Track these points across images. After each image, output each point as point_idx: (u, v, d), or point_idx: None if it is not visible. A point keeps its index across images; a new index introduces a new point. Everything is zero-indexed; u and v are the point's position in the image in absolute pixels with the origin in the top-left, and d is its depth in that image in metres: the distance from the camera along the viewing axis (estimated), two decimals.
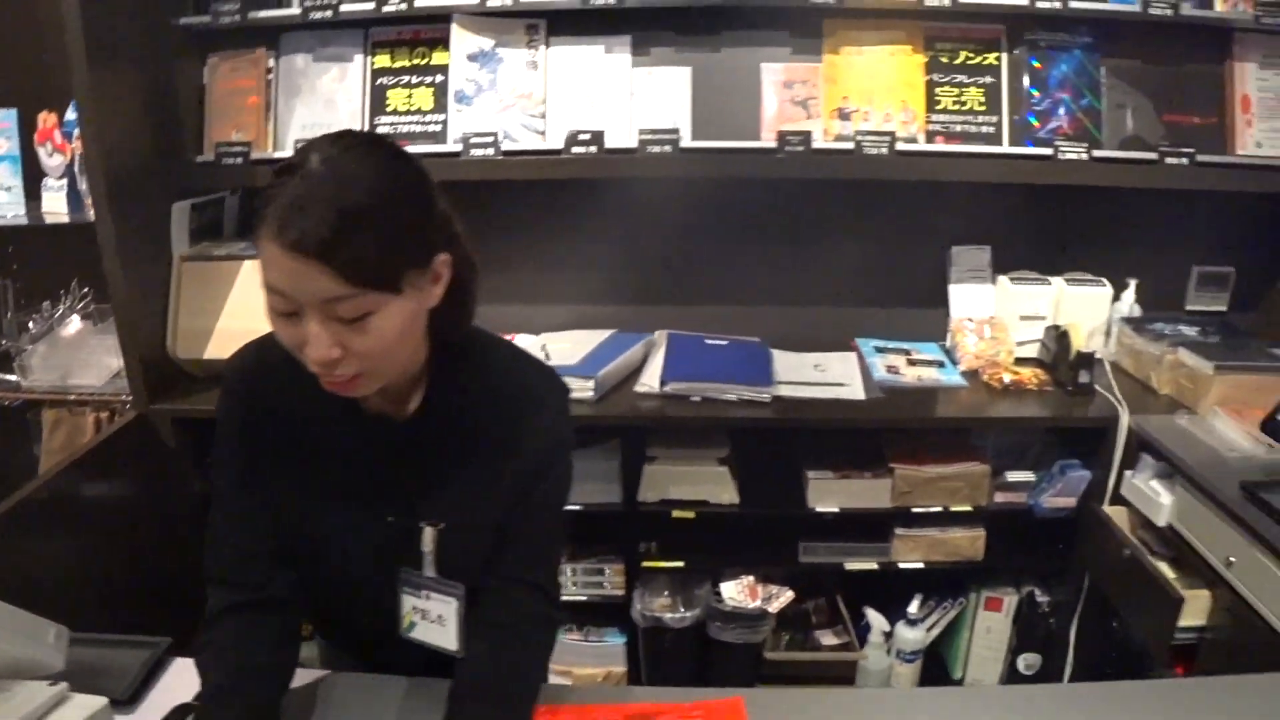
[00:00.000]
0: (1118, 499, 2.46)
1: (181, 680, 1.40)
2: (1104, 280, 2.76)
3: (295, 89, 2.68)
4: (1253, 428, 2.20)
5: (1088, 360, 2.54)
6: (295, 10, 2.55)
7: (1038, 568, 2.76)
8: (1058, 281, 2.76)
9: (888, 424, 2.53)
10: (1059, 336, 2.62)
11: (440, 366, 1.33)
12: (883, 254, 2.90)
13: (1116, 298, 2.78)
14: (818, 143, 2.55)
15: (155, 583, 2.34)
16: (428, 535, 1.33)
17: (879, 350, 2.78)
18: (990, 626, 2.81)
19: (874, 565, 2.67)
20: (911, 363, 2.71)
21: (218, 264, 2.57)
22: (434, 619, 1.37)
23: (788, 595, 2.68)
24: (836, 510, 2.59)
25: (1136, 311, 2.78)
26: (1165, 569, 2.26)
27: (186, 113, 2.66)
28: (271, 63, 2.69)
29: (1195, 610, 2.14)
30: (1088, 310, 2.72)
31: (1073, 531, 2.58)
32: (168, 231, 2.54)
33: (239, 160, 2.60)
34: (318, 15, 2.52)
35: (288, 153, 2.54)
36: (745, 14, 2.58)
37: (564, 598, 2.63)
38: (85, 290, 2.72)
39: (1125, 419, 2.42)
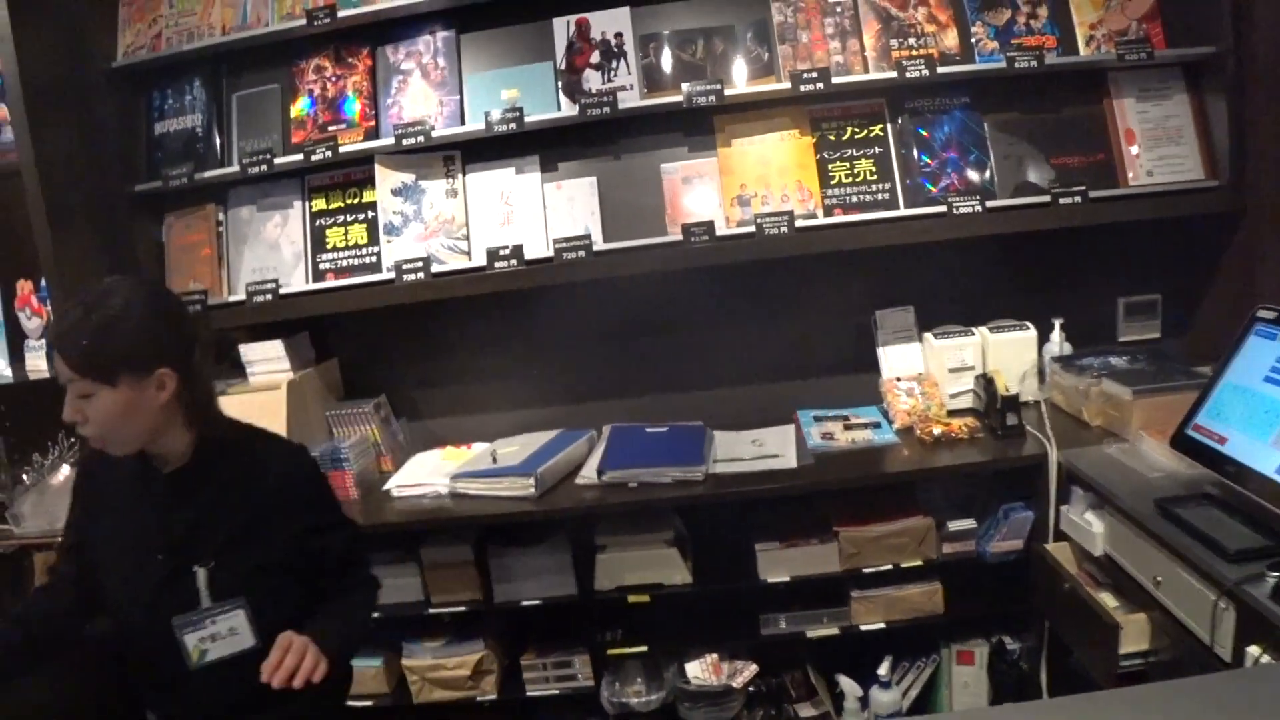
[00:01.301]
0: (1061, 535, 2.49)
1: None
2: (1028, 324, 2.84)
3: (243, 238, 2.97)
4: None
5: (1013, 402, 2.62)
6: (236, 168, 2.85)
7: (1000, 614, 2.76)
8: (981, 331, 2.86)
9: (820, 488, 2.60)
10: (986, 384, 2.71)
11: (204, 441, 1.82)
12: (817, 326, 3.05)
13: (1047, 339, 2.87)
14: (721, 230, 2.74)
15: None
16: (201, 575, 1.77)
17: (817, 419, 2.88)
18: (967, 680, 2.81)
19: (836, 630, 2.71)
20: (848, 427, 2.80)
21: None
22: (225, 634, 1.77)
23: (751, 669, 2.73)
24: (788, 579, 2.66)
25: (1067, 350, 2.86)
26: (1108, 598, 2.27)
27: (147, 268, 2.95)
28: (220, 216, 2.99)
29: (1136, 635, 2.16)
30: (1016, 355, 2.81)
31: (1026, 573, 2.60)
32: None
33: (198, 307, 2.88)
34: (255, 170, 2.82)
35: (240, 297, 2.87)
36: (641, 121, 2.81)
37: (536, 694, 2.79)
38: (71, 440, 2.96)
39: (1054, 455, 2.48)
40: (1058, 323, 2.86)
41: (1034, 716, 1.51)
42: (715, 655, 2.76)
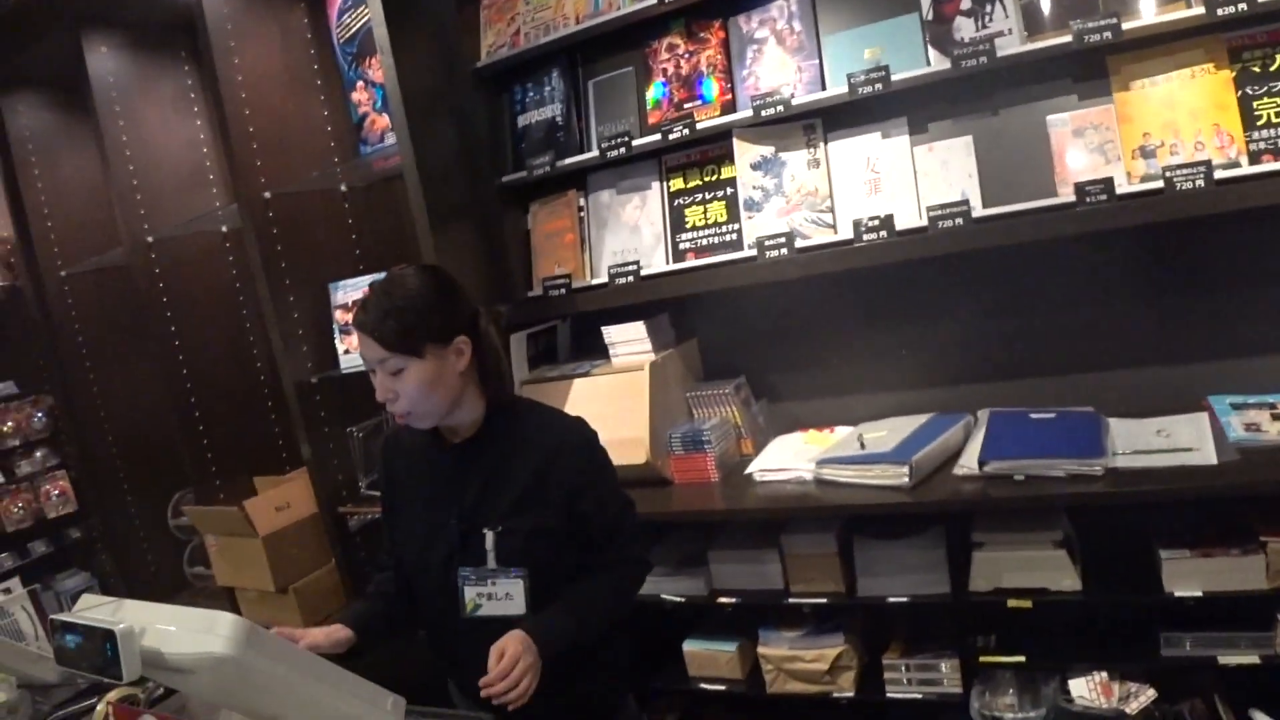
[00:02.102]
0: None
1: None
2: None
3: (604, 222, 3.07)
4: None
5: None
6: (595, 153, 2.94)
7: None
8: None
9: (1247, 490, 2.23)
10: None
11: (493, 413, 2.00)
12: (1228, 298, 2.62)
13: None
14: (1122, 188, 2.40)
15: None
16: (489, 537, 1.93)
17: (1236, 407, 2.47)
18: None
19: (1255, 658, 2.31)
20: (1277, 416, 2.39)
21: (553, 384, 3.00)
22: (501, 596, 1.93)
23: (1149, 694, 2.40)
24: (1200, 594, 2.31)
25: None
26: None
27: (515, 255, 3.15)
28: (581, 202, 3.11)
29: None
30: None
31: None
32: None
33: (563, 291, 3.04)
34: (614, 154, 2.90)
35: (603, 279, 2.97)
36: (1020, 70, 2.53)
37: (897, 695, 2.67)
38: (384, 435, 3.22)
39: None
40: None
41: None
42: (1105, 674, 2.45)
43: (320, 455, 3.30)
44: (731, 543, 2.79)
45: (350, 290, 3.25)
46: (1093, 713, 2.41)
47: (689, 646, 2.87)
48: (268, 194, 3.20)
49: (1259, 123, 2.37)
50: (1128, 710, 2.39)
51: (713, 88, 2.85)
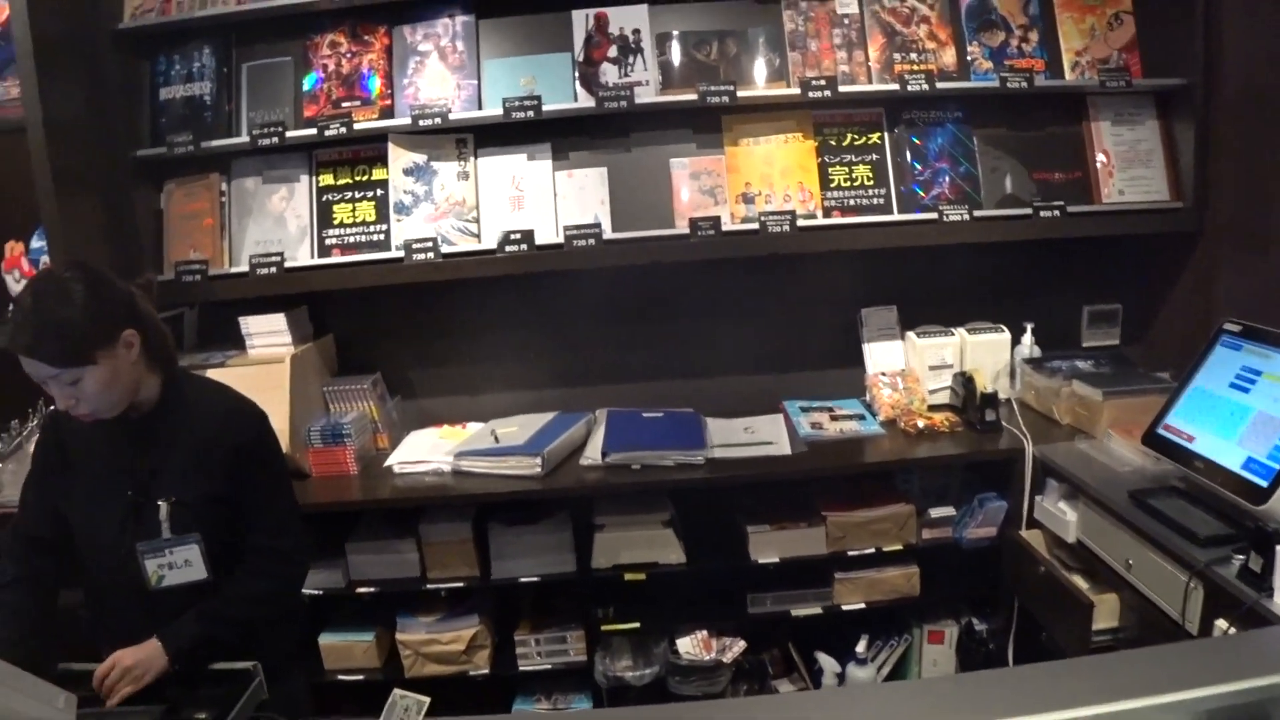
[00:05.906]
0: (1033, 523, 2.80)
1: None
2: (1003, 327, 3.16)
3: (247, 209, 3.07)
4: (1140, 444, 2.57)
5: (992, 400, 2.92)
6: (244, 139, 2.95)
7: (971, 597, 3.08)
8: (960, 332, 3.17)
9: (814, 474, 2.87)
10: (965, 381, 3.00)
11: (167, 388, 2.03)
12: (801, 322, 3.32)
13: (1017, 342, 3.19)
14: (726, 226, 2.97)
15: None
16: (163, 509, 1.98)
17: (804, 410, 3.15)
18: (936, 659, 3.11)
19: (819, 610, 2.97)
20: (834, 418, 3.07)
21: None
22: (181, 564, 2.01)
23: (740, 645, 2.97)
24: (777, 560, 2.91)
25: (1036, 352, 3.18)
26: (1079, 580, 2.59)
27: (145, 235, 3.03)
28: (224, 186, 3.08)
29: (1107, 613, 2.47)
30: (990, 355, 3.13)
31: (997, 558, 2.91)
32: None
33: (197, 277, 2.98)
34: (266, 142, 2.92)
35: (243, 268, 2.96)
36: (651, 116, 3.01)
37: (529, 669, 2.97)
38: (50, 407, 3.00)
39: (1030, 449, 2.78)
40: (1029, 326, 3.18)
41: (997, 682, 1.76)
42: (705, 632, 2.98)
43: None
44: (369, 534, 2.93)
45: None
46: (697, 664, 2.92)
47: (325, 639, 2.95)
48: None
49: (831, 185, 3.07)
50: (724, 660, 2.93)
51: (377, 89, 3.00)
